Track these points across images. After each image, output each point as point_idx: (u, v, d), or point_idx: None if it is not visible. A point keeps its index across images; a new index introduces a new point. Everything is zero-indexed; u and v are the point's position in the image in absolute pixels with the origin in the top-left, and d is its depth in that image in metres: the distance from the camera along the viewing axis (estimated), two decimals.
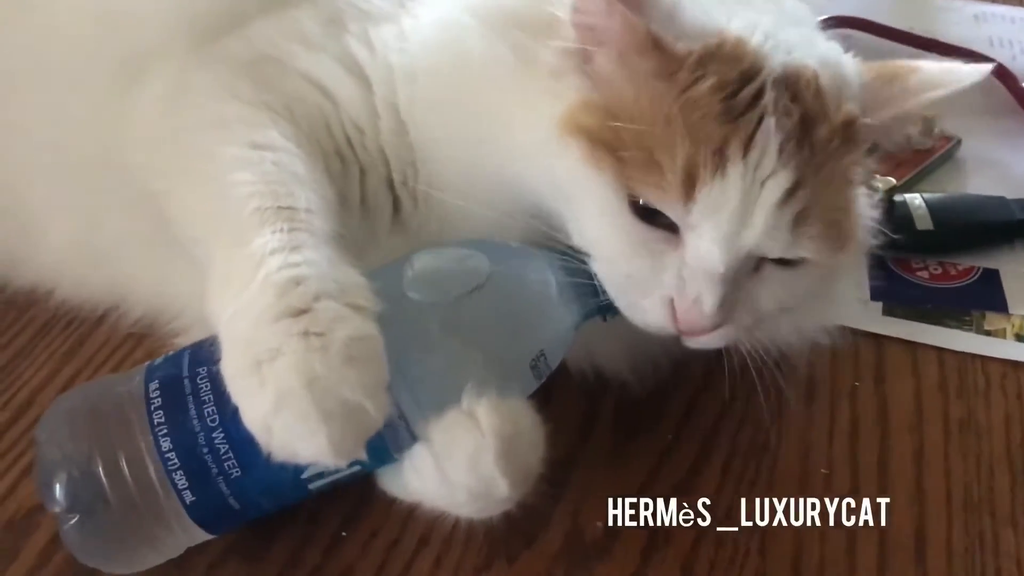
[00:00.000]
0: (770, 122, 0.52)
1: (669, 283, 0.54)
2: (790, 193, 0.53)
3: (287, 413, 0.45)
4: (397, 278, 0.53)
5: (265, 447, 0.47)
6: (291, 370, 0.45)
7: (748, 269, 0.55)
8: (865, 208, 0.61)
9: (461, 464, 0.50)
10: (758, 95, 0.53)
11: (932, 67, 0.58)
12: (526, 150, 0.56)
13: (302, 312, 0.47)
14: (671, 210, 0.53)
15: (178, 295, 0.64)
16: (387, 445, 0.52)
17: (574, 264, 0.56)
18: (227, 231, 0.52)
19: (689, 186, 0.52)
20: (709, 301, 0.53)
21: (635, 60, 0.54)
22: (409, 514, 0.58)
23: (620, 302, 0.56)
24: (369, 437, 0.47)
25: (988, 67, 0.58)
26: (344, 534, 0.60)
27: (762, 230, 0.53)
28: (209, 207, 0.55)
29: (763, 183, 0.52)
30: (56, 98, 0.65)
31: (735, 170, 0.52)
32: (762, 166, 0.52)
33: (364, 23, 0.62)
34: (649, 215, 0.54)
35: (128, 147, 0.60)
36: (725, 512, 0.61)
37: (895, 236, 0.63)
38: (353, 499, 0.60)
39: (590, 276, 0.56)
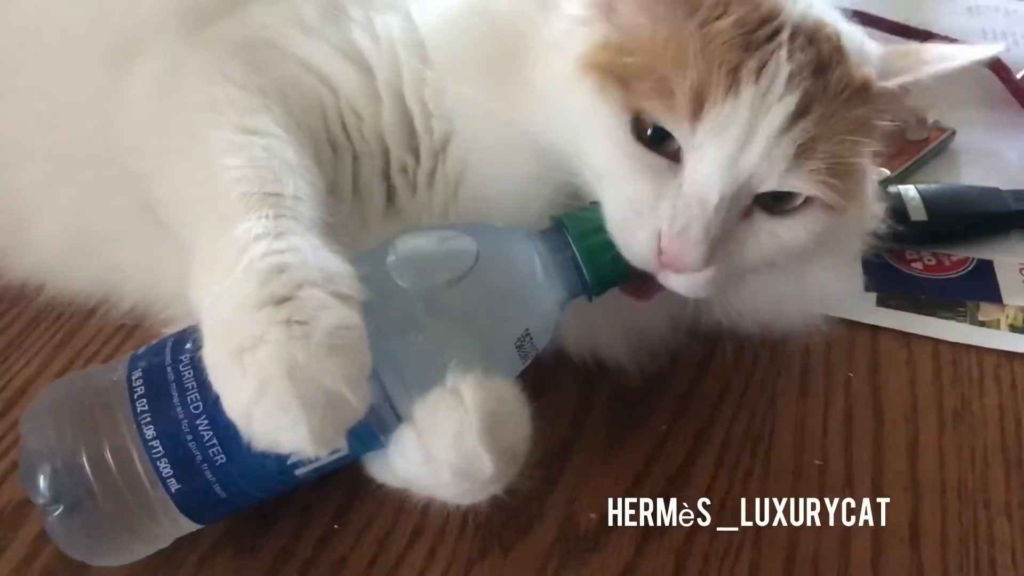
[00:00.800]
0: (782, 53, 0.53)
1: (663, 212, 0.54)
2: (794, 120, 0.53)
3: (268, 402, 0.45)
4: (382, 261, 0.53)
5: (246, 436, 0.46)
6: (273, 358, 0.45)
7: (739, 212, 0.55)
8: (874, 188, 0.61)
9: (445, 440, 0.50)
10: (775, 33, 0.54)
11: (944, 45, 0.59)
12: (546, 93, 0.57)
13: (285, 300, 0.46)
14: (678, 129, 0.53)
15: (169, 283, 0.64)
16: (374, 429, 0.51)
17: (559, 243, 0.56)
18: (213, 215, 0.52)
19: (698, 105, 0.52)
20: (696, 229, 0.53)
21: (658, 6, 0.54)
22: (401, 506, 0.58)
23: (620, 236, 0.56)
24: (350, 426, 0.46)
25: (997, 47, 0.60)
26: (336, 526, 0.59)
27: (762, 153, 0.53)
28: (196, 191, 0.54)
29: (770, 108, 0.53)
30: (47, 82, 0.64)
31: (746, 92, 0.52)
32: (771, 92, 0.53)
33: (367, 9, 0.62)
34: (654, 140, 0.54)
35: (118, 127, 0.59)
36: (720, 503, 0.61)
37: (895, 227, 0.65)
38: (345, 491, 0.60)
39: (575, 255, 0.56)
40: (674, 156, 0.54)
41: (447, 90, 0.60)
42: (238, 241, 0.49)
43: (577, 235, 0.56)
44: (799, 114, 0.53)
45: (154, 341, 0.56)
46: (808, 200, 0.56)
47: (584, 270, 0.56)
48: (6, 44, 0.65)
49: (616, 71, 0.54)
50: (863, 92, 0.55)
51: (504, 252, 0.55)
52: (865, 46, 0.58)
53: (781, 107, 0.53)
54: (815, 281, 0.62)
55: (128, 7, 0.62)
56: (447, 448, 0.50)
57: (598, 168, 0.56)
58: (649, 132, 0.54)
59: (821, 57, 0.54)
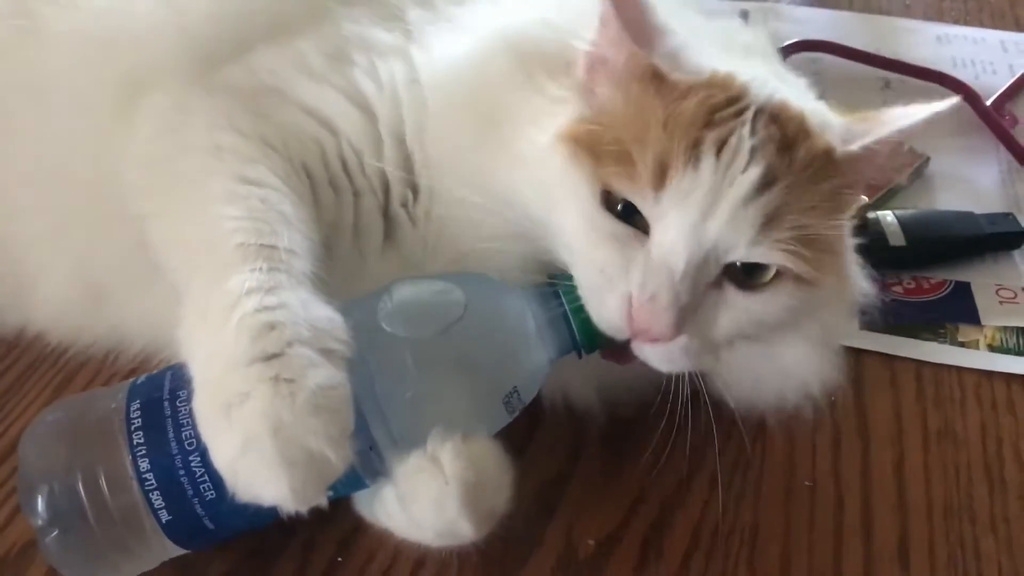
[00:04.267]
0: (745, 129, 0.54)
1: (633, 279, 0.55)
2: (760, 191, 0.54)
3: (252, 457, 0.46)
4: (375, 309, 0.54)
5: (230, 487, 0.48)
6: (258, 416, 0.46)
7: (710, 279, 0.55)
8: (859, 266, 0.63)
9: (426, 507, 0.52)
10: (740, 112, 0.55)
11: (902, 108, 0.60)
12: (525, 159, 0.58)
13: (274, 356, 0.48)
14: (642, 199, 0.54)
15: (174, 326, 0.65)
16: (359, 473, 0.53)
17: (551, 301, 0.57)
18: (208, 263, 0.53)
19: (660, 175, 0.54)
20: (664, 296, 0.54)
21: (633, 86, 0.56)
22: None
23: (590, 302, 0.57)
24: (330, 484, 0.48)
25: (955, 99, 0.60)
26: (340, 559, 0.60)
27: (727, 220, 0.53)
28: (193, 236, 0.55)
29: (733, 180, 0.54)
30: (53, 124, 0.65)
31: (707, 164, 0.53)
32: (734, 164, 0.54)
33: (370, 55, 0.63)
34: (624, 215, 0.56)
35: (123, 165, 0.60)
36: (714, 526, 0.63)
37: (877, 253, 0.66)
38: (348, 524, 0.61)
39: (566, 313, 0.57)
40: (643, 228, 0.55)
41: (440, 138, 0.62)
42: (231, 293, 0.50)
43: (569, 293, 0.57)
44: (764, 185, 0.54)
45: (155, 372, 0.57)
46: (779, 274, 0.56)
47: (575, 328, 0.57)
48: (10, 90, 0.66)
49: (587, 143, 0.56)
50: (828, 161, 0.56)
51: (496, 306, 0.56)
52: (827, 118, 0.59)
53: (745, 178, 0.53)
54: (791, 360, 0.61)
55: (136, 51, 0.63)
56: (427, 513, 0.52)
57: (569, 235, 0.57)
58: (620, 207, 0.55)
59: (785, 134, 0.55)
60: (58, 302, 0.68)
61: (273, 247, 0.53)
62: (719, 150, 0.54)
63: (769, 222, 0.54)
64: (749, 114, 0.55)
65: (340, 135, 0.62)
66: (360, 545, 0.61)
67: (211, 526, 0.54)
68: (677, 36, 0.58)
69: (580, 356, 0.58)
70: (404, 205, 0.64)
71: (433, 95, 0.62)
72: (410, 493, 0.52)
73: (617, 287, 0.55)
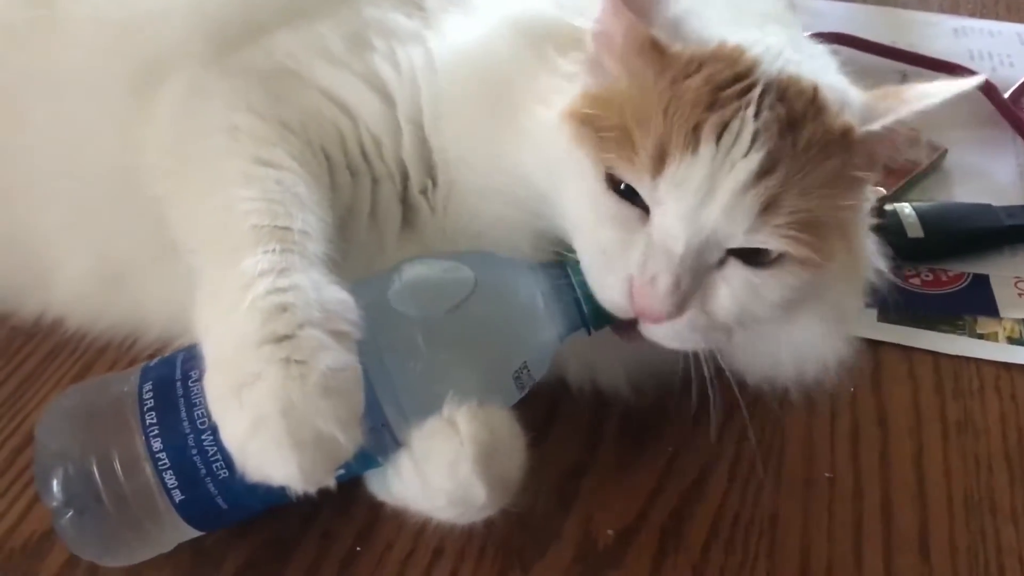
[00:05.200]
0: (749, 111, 0.53)
1: (633, 261, 0.55)
2: (759, 178, 0.53)
3: (262, 438, 0.47)
4: (385, 289, 0.54)
5: (240, 467, 0.48)
6: (269, 396, 0.47)
7: (712, 261, 0.55)
8: (868, 240, 0.62)
9: (440, 469, 0.52)
10: (746, 90, 0.54)
11: (925, 84, 0.59)
12: (534, 138, 0.58)
13: (286, 338, 0.48)
14: (640, 184, 0.54)
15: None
16: (372, 452, 0.53)
17: (559, 277, 0.57)
18: (222, 244, 0.53)
19: (659, 161, 0.53)
20: (664, 281, 0.53)
21: (634, 60, 0.55)
22: (423, 527, 0.59)
23: (592, 281, 0.57)
24: (339, 466, 0.48)
25: (979, 79, 0.59)
26: (359, 549, 0.60)
27: (724, 209, 0.53)
28: (209, 217, 0.56)
29: (733, 166, 0.53)
30: (71, 111, 0.65)
31: (706, 150, 0.53)
32: (734, 150, 0.53)
33: (390, 41, 0.63)
34: (627, 195, 0.55)
35: (141, 148, 0.61)
36: (733, 517, 0.63)
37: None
38: (367, 514, 0.61)
39: (574, 289, 0.57)
40: (647, 208, 0.55)
41: (455, 122, 0.62)
42: (244, 275, 0.50)
43: (578, 270, 0.57)
44: (764, 172, 0.53)
45: (167, 354, 0.57)
46: (783, 255, 0.55)
47: (583, 305, 0.57)
48: (29, 78, 0.66)
49: (591, 123, 0.55)
50: (843, 141, 0.55)
51: (505, 283, 0.57)
52: (848, 95, 0.58)
53: (744, 165, 0.53)
54: (805, 338, 0.61)
55: (154, 35, 0.63)
56: (442, 476, 0.52)
57: (572, 214, 0.57)
58: (623, 187, 0.55)
59: (793, 113, 0.54)
60: (77, 288, 0.69)
61: (287, 228, 0.53)
62: (720, 135, 0.53)
63: (768, 208, 0.53)
64: (756, 92, 0.54)
65: (359, 120, 0.62)
66: (379, 535, 0.61)
67: (224, 505, 0.54)
68: (679, 2, 0.57)
69: (589, 332, 0.58)
70: (423, 192, 0.64)
71: (447, 80, 0.62)
72: (424, 455, 0.52)
73: (618, 268, 0.55)
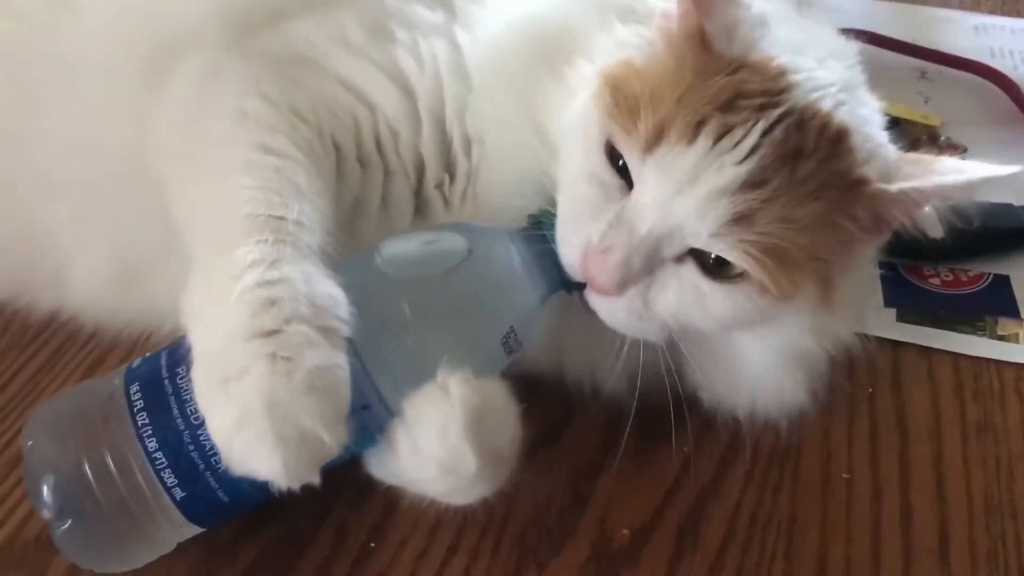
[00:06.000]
0: (759, 126, 0.53)
1: (597, 227, 0.55)
2: (742, 188, 0.52)
3: (247, 432, 0.47)
4: (368, 265, 0.54)
5: (225, 460, 0.48)
6: (255, 391, 0.47)
7: (669, 254, 0.55)
8: (862, 301, 0.62)
9: (431, 434, 0.52)
10: (765, 107, 0.54)
11: (959, 161, 0.58)
12: (569, 88, 0.59)
13: (273, 333, 0.48)
14: (630, 157, 0.54)
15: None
16: (369, 429, 0.53)
17: (537, 240, 0.58)
18: (217, 232, 0.53)
19: (654, 141, 0.53)
20: (616, 255, 0.54)
21: (679, 44, 0.56)
22: (437, 523, 0.59)
23: (558, 234, 0.57)
24: (323, 463, 0.48)
25: (1014, 168, 0.56)
26: (372, 545, 0.60)
27: (696, 205, 0.53)
28: (206, 203, 0.56)
29: (721, 168, 0.53)
30: (86, 97, 0.65)
31: (701, 144, 0.53)
32: (728, 155, 0.53)
33: (413, 32, 0.63)
34: (621, 170, 0.55)
35: (152, 128, 0.61)
36: (749, 518, 0.62)
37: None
38: (381, 510, 0.61)
39: (552, 251, 0.57)
40: (630, 185, 0.55)
41: (482, 110, 0.62)
42: (235, 265, 0.50)
43: (551, 228, 0.57)
44: (749, 185, 0.52)
45: (148, 354, 0.57)
46: (745, 274, 0.55)
47: (560, 263, 0.57)
48: (43, 64, 0.66)
49: (615, 87, 0.56)
50: (852, 190, 0.55)
51: (484, 250, 0.57)
52: (880, 151, 0.57)
53: (732, 171, 0.52)
54: (757, 366, 0.61)
55: (172, 18, 0.63)
56: (432, 442, 0.52)
57: (564, 163, 0.58)
58: (620, 163, 0.55)
59: (803, 144, 0.54)
60: (93, 283, 0.68)
61: (281, 218, 0.53)
62: (720, 136, 0.53)
63: (740, 220, 0.53)
64: (776, 112, 0.53)
65: (377, 112, 0.62)
66: (393, 531, 0.60)
67: (225, 498, 0.54)
68: (748, 12, 0.56)
69: (569, 293, 0.58)
70: (438, 187, 0.63)
71: (477, 68, 0.62)
72: (415, 420, 0.52)
73: (582, 228, 0.56)
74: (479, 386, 0.52)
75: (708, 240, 0.54)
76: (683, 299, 0.56)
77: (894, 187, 0.55)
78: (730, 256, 0.54)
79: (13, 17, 0.66)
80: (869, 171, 0.55)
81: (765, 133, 0.53)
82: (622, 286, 0.55)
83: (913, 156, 0.58)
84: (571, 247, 0.56)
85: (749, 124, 0.53)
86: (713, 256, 0.55)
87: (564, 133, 0.59)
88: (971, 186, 0.56)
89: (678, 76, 0.54)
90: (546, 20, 0.62)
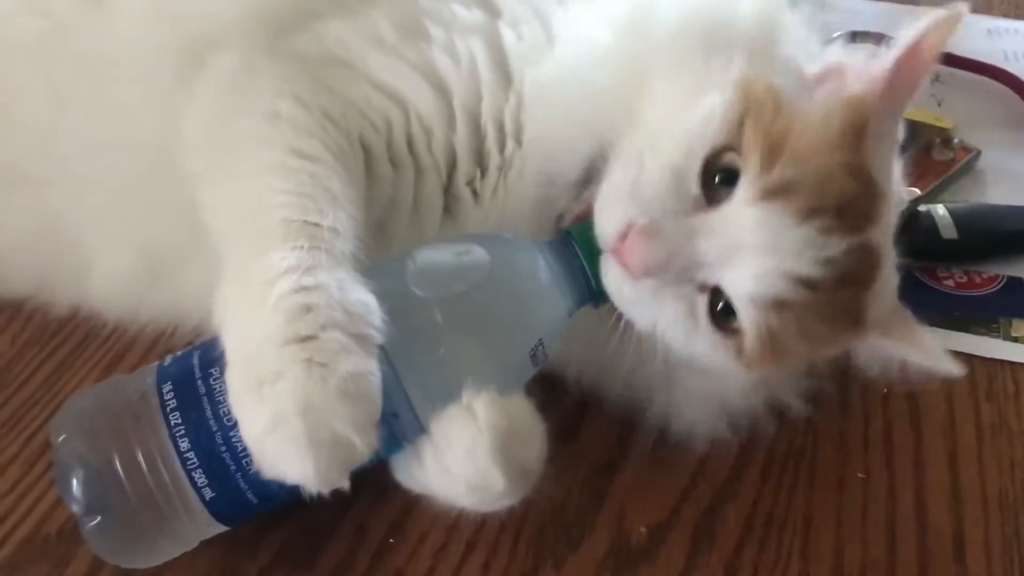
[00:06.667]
0: (847, 242, 0.54)
1: (654, 211, 0.54)
2: (799, 282, 0.54)
3: (280, 435, 0.47)
4: (402, 273, 0.55)
5: (257, 462, 0.49)
6: (289, 395, 0.47)
7: (698, 279, 0.55)
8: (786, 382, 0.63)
9: (458, 457, 0.52)
10: (858, 228, 0.55)
11: (937, 345, 0.60)
12: (706, 86, 0.57)
13: (309, 339, 0.48)
14: (746, 184, 0.54)
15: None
16: (396, 436, 0.53)
17: (567, 252, 0.57)
18: (251, 233, 0.54)
19: (777, 195, 0.53)
20: (663, 248, 0.53)
21: (843, 118, 0.55)
22: (456, 520, 0.59)
23: (606, 197, 0.56)
24: (353, 468, 0.49)
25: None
26: (391, 540, 0.61)
27: (762, 270, 0.53)
28: (239, 204, 0.56)
29: (800, 257, 0.53)
30: (116, 92, 0.65)
31: (806, 230, 0.53)
32: (813, 251, 0.53)
33: (449, 31, 0.63)
34: (707, 182, 0.55)
35: (183, 125, 0.61)
36: (767, 516, 0.63)
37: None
38: (400, 506, 0.61)
39: (582, 264, 0.57)
40: (710, 201, 0.55)
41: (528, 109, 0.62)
42: (270, 269, 0.50)
43: (583, 243, 0.57)
44: (805, 283, 0.54)
45: (180, 352, 0.57)
46: (739, 337, 0.56)
47: (590, 277, 0.57)
48: (73, 65, 0.66)
49: (758, 110, 0.55)
50: (854, 327, 0.57)
51: (516, 262, 0.57)
52: (889, 299, 0.59)
53: (806, 266, 0.53)
54: (681, 384, 0.62)
55: (206, 16, 0.63)
56: (460, 463, 0.53)
57: (655, 145, 0.56)
58: (717, 179, 0.55)
59: (853, 275, 0.55)
60: (118, 279, 0.69)
61: (317, 224, 0.53)
62: (822, 233, 0.53)
63: (776, 304, 0.54)
64: (860, 238, 0.55)
65: (410, 111, 0.62)
66: (412, 527, 0.61)
67: (255, 500, 0.54)
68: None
69: (596, 306, 0.59)
70: (469, 183, 0.64)
71: (590, 59, 0.61)
72: (444, 442, 0.53)
73: (633, 206, 0.55)
74: (505, 407, 0.53)
75: (737, 293, 0.55)
76: (678, 319, 0.56)
77: (881, 341, 0.58)
78: (745, 321, 0.55)
79: (44, 15, 0.66)
80: (873, 315, 0.57)
81: (846, 252, 0.54)
82: (646, 273, 0.54)
83: (902, 315, 0.60)
84: (613, 216, 0.56)
85: (845, 236, 0.54)
86: (726, 304, 0.56)
87: (672, 119, 0.57)
88: (930, 377, 0.58)
89: (826, 149, 0.54)
90: (741, 9, 0.60)
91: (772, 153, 0.54)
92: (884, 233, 0.58)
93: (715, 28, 0.58)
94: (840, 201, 0.54)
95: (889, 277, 0.59)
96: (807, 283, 0.54)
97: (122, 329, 0.73)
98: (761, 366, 0.57)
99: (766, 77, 0.56)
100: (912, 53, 0.56)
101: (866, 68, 0.57)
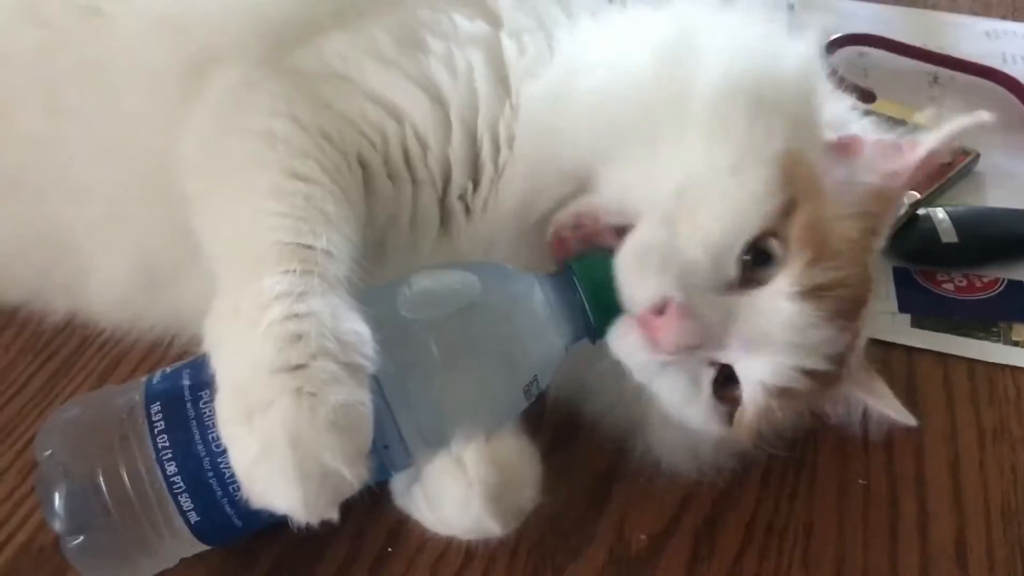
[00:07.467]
0: (848, 336, 0.57)
1: (687, 289, 0.54)
2: (808, 374, 0.56)
3: (269, 466, 0.47)
4: (394, 300, 0.54)
5: (245, 492, 0.49)
6: (279, 426, 0.47)
7: (717, 358, 0.56)
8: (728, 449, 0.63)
9: (452, 510, 0.54)
10: (855, 319, 0.58)
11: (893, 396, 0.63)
12: (749, 154, 0.56)
13: (299, 367, 0.48)
14: (790, 275, 0.54)
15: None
16: (386, 465, 0.53)
17: (565, 286, 0.56)
18: (243, 257, 0.53)
19: (815, 295, 0.54)
20: (698, 332, 0.53)
21: (878, 202, 0.58)
22: None
23: (633, 263, 0.55)
24: (342, 500, 0.49)
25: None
26: (390, 549, 0.60)
27: (783, 362, 0.55)
28: (233, 227, 0.55)
29: (812, 354, 0.55)
30: (117, 104, 0.64)
31: (828, 329, 0.55)
32: (827, 347, 0.56)
33: (448, 43, 0.62)
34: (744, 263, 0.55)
35: (180, 140, 0.60)
36: (767, 524, 0.62)
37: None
38: (399, 515, 0.61)
39: (580, 299, 0.56)
40: (747, 282, 0.55)
41: (522, 124, 0.62)
42: (262, 295, 0.50)
43: (585, 279, 0.56)
44: (812, 375, 0.56)
45: (169, 369, 0.56)
46: (736, 409, 0.57)
47: (589, 313, 0.56)
48: (75, 76, 0.65)
49: (802, 194, 0.55)
50: (827, 389, 0.59)
51: (513, 294, 0.56)
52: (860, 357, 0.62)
53: (820, 361, 0.55)
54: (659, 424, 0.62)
55: (209, 31, 0.62)
56: (455, 516, 0.54)
57: (695, 217, 0.55)
58: (749, 256, 0.55)
59: (847, 351, 0.57)
60: (115, 288, 0.68)
61: (310, 247, 0.52)
62: (837, 329, 0.55)
63: (784, 391, 0.56)
64: (855, 326, 0.58)
65: (405, 123, 0.61)
66: (410, 536, 0.60)
67: (239, 524, 0.54)
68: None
69: (593, 342, 0.58)
70: (461, 196, 0.63)
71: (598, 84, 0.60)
72: (436, 495, 0.54)
73: (665, 280, 0.54)
74: (495, 457, 0.53)
75: (747, 375, 0.56)
76: (680, 387, 0.58)
77: (847, 390, 0.62)
78: (747, 400, 0.57)
79: (44, 26, 0.65)
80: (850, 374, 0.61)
81: (849, 343, 0.57)
82: (676, 353, 0.54)
83: (872, 374, 0.63)
84: (645, 285, 0.54)
85: (851, 330, 0.57)
86: (729, 375, 0.57)
87: (712, 186, 0.55)
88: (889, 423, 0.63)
89: (859, 251, 0.57)
90: (787, 66, 0.59)
91: (818, 252, 0.54)
92: (867, 320, 0.60)
93: (761, 89, 0.57)
94: (862, 302, 0.56)
95: (862, 342, 0.61)
96: (814, 375, 0.56)
97: (118, 337, 0.72)
98: (749, 434, 0.58)
99: (805, 154, 0.57)
100: (935, 153, 0.58)
101: (883, 151, 0.59)
